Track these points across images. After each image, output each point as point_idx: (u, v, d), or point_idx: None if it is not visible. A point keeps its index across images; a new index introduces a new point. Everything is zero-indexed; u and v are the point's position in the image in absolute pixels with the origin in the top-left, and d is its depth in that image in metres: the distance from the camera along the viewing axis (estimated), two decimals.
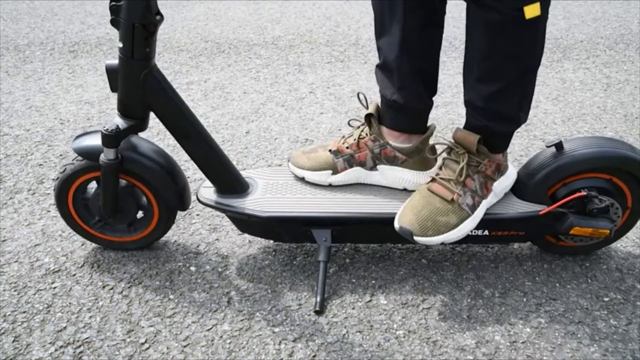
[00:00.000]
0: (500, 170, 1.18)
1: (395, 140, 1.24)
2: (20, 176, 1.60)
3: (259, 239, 1.35)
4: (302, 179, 1.28)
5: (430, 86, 1.22)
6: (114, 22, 1.03)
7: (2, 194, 1.52)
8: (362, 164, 1.25)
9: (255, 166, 1.67)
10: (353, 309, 1.15)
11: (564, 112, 1.99)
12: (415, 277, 1.24)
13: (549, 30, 2.78)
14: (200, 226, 1.40)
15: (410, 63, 1.17)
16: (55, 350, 1.06)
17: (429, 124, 1.26)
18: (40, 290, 1.20)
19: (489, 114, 1.11)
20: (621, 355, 1.05)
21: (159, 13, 1.04)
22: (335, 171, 1.25)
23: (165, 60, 2.44)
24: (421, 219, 1.11)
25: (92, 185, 1.24)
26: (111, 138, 1.10)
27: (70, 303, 1.17)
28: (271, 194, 1.23)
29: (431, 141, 1.28)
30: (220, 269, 1.26)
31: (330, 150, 1.27)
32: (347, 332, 1.10)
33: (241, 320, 1.13)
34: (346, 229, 1.19)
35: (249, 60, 2.45)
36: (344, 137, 1.29)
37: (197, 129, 1.15)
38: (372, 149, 1.24)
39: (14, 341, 1.08)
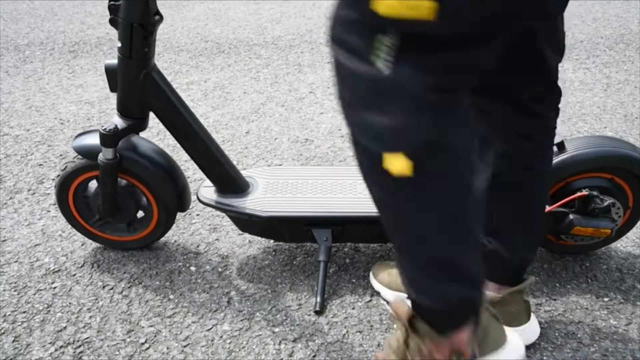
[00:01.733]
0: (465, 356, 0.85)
1: None
2: (20, 176, 1.60)
3: (259, 238, 1.35)
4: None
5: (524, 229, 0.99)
6: (112, 22, 1.03)
7: (2, 194, 1.52)
8: None
9: (255, 166, 1.67)
10: (353, 309, 1.15)
11: (564, 112, 1.99)
12: None
13: None
14: (200, 226, 1.40)
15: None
16: (55, 350, 1.06)
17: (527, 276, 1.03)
18: (40, 290, 1.20)
19: (405, 280, 0.82)
20: (621, 355, 1.05)
21: (158, 13, 1.04)
22: None
23: (165, 60, 2.44)
24: None
25: (94, 184, 1.24)
26: (109, 137, 1.10)
27: (70, 303, 1.16)
28: (272, 193, 1.23)
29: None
30: (220, 269, 1.26)
31: None
32: (347, 332, 1.10)
33: (241, 320, 1.12)
34: (347, 228, 1.19)
35: (249, 60, 2.45)
36: None
37: (197, 128, 1.15)
38: None
39: (14, 341, 1.07)
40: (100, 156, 1.13)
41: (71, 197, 1.23)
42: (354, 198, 1.22)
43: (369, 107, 0.69)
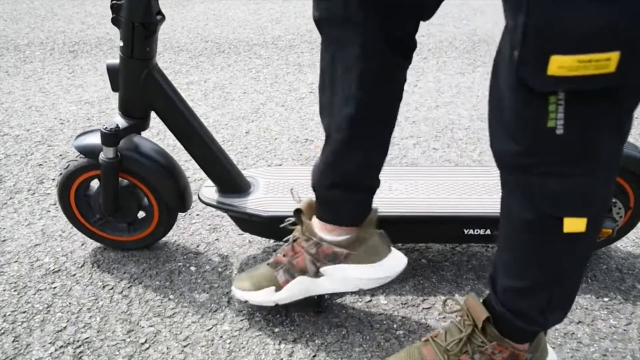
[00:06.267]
0: None
1: (328, 233, 1.02)
2: (20, 176, 1.60)
3: (259, 238, 1.35)
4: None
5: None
6: (114, 21, 1.03)
7: (2, 194, 1.52)
8: (303, 271, 1.05)
9: (255, 166, 1.67)
10: (353, 309, 1.15)
11: None
12: (415, 277, 1.24)
13: None
14: (200, 226, 1.40)
15: None
16: (55, 350, 1.06)
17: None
18: (40, 290, 1.20)
19: (507, 303, 0.89)
20: (621, 355, 1.05)
21: (160, 13, 1.05)
22: (279, 287, 1.07)
23: (165, 60, 2.44)
24: None
25: (96, 183, 1.24)
26: (110, 137, 1.11)
27: (70, 303, 1.16)
28: (273, 193, 1.23)
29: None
30: (220, 269, 1.26)
31: (268, 264, 1.09)
32: (347, 332, 1.10)
33: (241, 320, 1.12)
34: None
35: (249, 60, 2.45)
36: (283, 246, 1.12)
37: (199, 128, 1.15)
38: (307, 249, 1.03)
39: (14, 341, 1.07)
40: (101, 155, 1.13)
41: (73, 195, 1.24)
42: None
43: (549, 173, 0.73)
